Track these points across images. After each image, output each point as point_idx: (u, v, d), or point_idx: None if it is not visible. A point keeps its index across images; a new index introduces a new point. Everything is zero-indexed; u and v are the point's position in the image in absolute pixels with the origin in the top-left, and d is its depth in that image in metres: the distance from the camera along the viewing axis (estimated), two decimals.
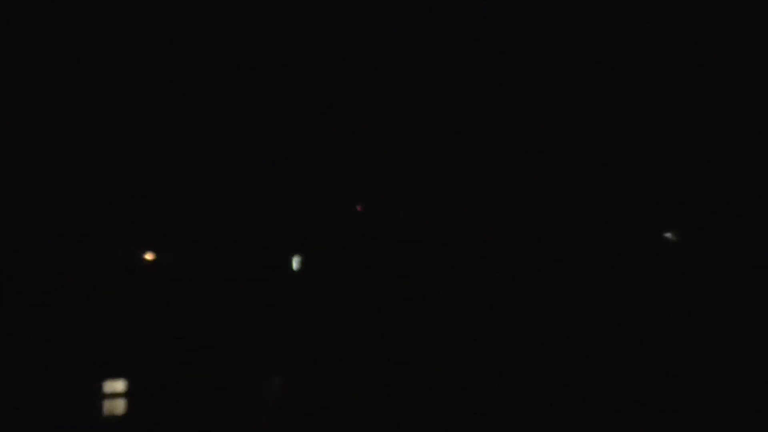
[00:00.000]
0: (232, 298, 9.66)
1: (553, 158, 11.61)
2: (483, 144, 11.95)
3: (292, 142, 10.81)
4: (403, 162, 11.44)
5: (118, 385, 8.43)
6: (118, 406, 8.21)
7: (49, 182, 9.76)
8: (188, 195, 10.41)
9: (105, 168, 10.05)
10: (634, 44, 12.33)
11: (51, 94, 10.48)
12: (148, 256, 9.89)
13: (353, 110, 11.45)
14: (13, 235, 9.38)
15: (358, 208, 10.41)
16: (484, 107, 11.93)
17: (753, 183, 10.94)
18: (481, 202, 11.37)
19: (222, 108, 10.68)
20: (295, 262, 10.30)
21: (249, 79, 11.09)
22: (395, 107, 11.84)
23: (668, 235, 10.23)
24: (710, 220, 10.58)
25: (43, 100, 10.47)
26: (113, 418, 8.07)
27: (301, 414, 8.11)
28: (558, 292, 10.08)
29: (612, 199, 11.11)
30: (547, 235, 10.53)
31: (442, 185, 11.36)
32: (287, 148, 10.76)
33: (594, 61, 12.23)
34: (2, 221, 9.49)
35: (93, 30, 10.84)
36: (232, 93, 10.91)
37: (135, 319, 9.21)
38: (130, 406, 8.26)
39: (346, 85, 11.66)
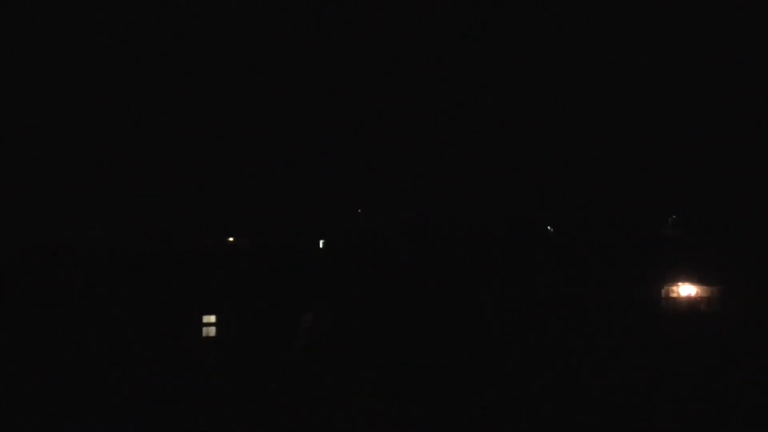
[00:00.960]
0: (281, 265, 15.14)
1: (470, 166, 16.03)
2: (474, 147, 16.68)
3: (318, 167, 16.36)
4: (397, 170, 16.64)
5: (211, 318, 13.90)
6: (211, 330, 13.78)
7: (179, 198, 15.73)
8: (255, 203, 16.17)
9: (209, 191, 15.92)
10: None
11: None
12: (230, 239, 15.62)
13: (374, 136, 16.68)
14: (155, 228, 15.37)
15: (360, 212, 15.88)
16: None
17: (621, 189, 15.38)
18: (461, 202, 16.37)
19: (282, 141, 16.29)
20: (321, 244, 15.81)
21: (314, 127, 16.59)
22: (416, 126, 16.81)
23: (549, 228, 14.97)
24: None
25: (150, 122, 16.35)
26: (208, 337, 13.67)
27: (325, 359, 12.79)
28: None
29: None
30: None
31: (427, 190, 16.47)
32: (319, 174, 16.34)
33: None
34: (145, 216, 15.53)
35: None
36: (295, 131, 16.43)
37: (222, 278, 14.73)
38: (218, 330, 13.80)
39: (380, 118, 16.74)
